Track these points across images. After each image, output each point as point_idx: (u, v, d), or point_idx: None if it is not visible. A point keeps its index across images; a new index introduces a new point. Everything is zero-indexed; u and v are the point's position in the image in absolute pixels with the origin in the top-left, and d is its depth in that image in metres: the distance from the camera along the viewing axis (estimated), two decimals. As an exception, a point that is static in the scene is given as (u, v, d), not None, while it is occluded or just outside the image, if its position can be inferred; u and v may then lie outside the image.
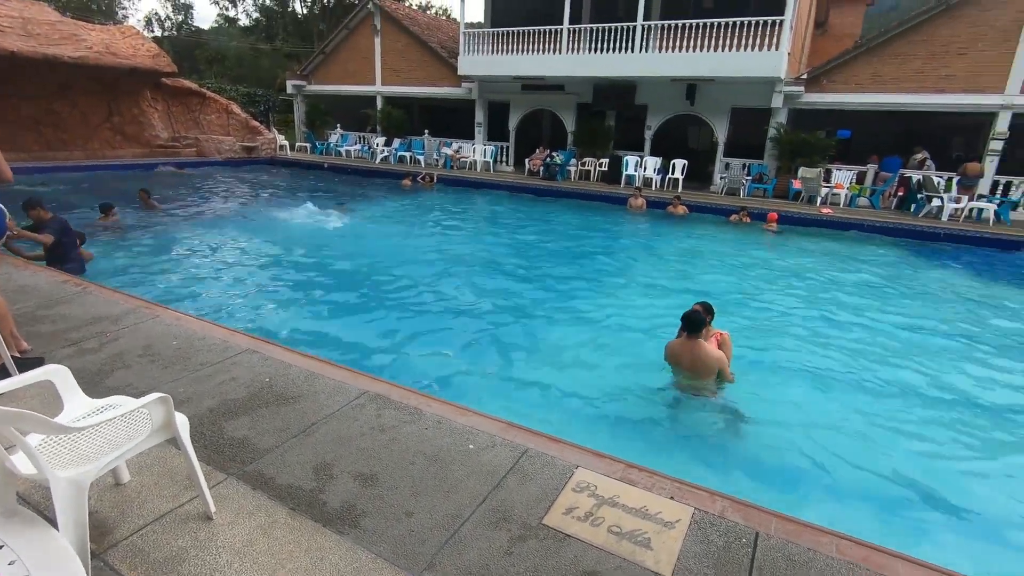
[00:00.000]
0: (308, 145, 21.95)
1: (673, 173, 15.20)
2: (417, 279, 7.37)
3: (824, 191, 13.41)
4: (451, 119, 20.69)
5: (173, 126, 18.76)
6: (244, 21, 45.09)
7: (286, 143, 21.24)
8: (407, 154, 19.60)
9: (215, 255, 8.14)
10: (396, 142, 20.10)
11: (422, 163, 19.03)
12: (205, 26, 48.66)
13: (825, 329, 6.17)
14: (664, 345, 4.42)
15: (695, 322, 4.05)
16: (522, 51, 16.16)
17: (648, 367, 4.63)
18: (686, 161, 15.15)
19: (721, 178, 15.13)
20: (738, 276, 8.30)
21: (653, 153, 16.09)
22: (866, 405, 4.46)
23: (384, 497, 2.49)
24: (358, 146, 21.06)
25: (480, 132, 19.01)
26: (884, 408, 4.43)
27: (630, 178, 15.60)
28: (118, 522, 2.28)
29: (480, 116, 18.84)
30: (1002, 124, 12.20)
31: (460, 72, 17.58)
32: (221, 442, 2.85)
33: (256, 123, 21.03)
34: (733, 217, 12.17)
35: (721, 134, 15.32)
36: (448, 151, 18.85)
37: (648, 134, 16.27)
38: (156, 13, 44.53)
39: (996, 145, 12.36)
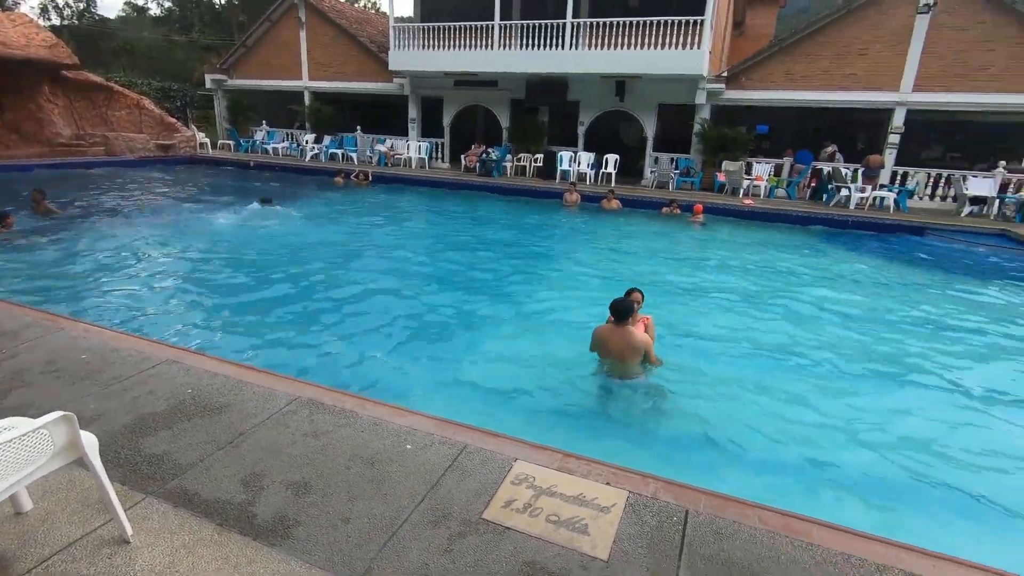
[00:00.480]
0: (232, 143, 20.84)
1: (606, 168, 15.56)
2: (349, 279, 7.18)
3: (746, 183, 14.16)
4: (384, 115, 20.23)
5: (77, 123, 17.31)
6: (155, 11, 42.27)
7: (207, 141, 20.07)
8: (339, 151, 18.99)
9: (128, 262, 7.59)
10: (327, 139, 19.44)
11: (355, 160, 18.52)
12: (111, 15, 45.18)
13: (745, 312, 6.53)
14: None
15: (623, 310, 4.18)
16: (453, 46, 16.03)
17: (581, 355, 4.73)
18: (618, 156, 15.55)
19: (651, 172, 15.64)
20: (666, 265, 8.63)
21: (586, 148, 16.41)
22: (782, 380, 4.76)
23: (318, 504, 2.42)
24: (286, 143, 20.21)
25: (414, 128, 18.72)
26: (800, 382, 4.74)
27: (564, 173, 15.84)
28: (18, 554, 2.10)
29: (414, 112, 18.55)
30: (898, 119, 13.31)
31: (391, 67, 17.22)
32: (138, 460, 2.68)
33: (172, 119, 19.76)
34: (665, 210, 12.61)
35: (650, 130, 15.82)
36: (382, 148, 18.42)
37: (581, 130, 16.57)
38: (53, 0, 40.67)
39: (894, 139, 13.46)
